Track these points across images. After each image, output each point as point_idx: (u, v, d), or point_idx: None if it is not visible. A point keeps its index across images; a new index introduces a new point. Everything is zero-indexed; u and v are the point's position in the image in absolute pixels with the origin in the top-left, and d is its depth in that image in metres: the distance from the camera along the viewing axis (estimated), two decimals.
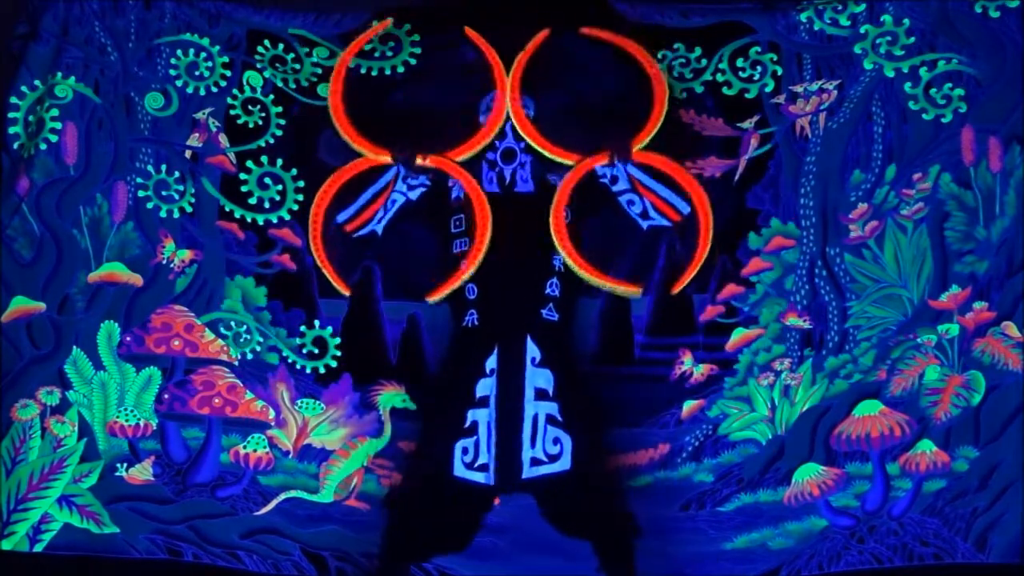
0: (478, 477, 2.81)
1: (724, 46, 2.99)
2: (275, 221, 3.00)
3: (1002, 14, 2.92)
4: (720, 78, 2.99)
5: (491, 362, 2.84)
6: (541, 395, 2.84)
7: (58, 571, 2.89)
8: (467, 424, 2.83)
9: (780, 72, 2.99)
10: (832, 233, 2.97)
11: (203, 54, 2.98)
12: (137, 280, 2.95)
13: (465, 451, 2.82)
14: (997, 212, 2.91)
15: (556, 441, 2.82)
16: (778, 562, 2.92)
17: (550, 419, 2.83)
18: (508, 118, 2.98)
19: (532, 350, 2.85)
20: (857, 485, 2.93)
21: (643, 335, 2.99)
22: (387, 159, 2.98)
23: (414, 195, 3.00)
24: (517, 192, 2.95)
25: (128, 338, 2.94)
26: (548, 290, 2.89)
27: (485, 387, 2.84)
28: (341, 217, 3.00)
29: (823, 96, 2.98)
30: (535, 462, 2.80)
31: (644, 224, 2.99)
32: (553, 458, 2.82)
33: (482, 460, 2.81)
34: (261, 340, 2.98)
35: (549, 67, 3.02)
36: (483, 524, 2.87)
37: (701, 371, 2.98)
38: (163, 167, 2.98)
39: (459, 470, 2.81)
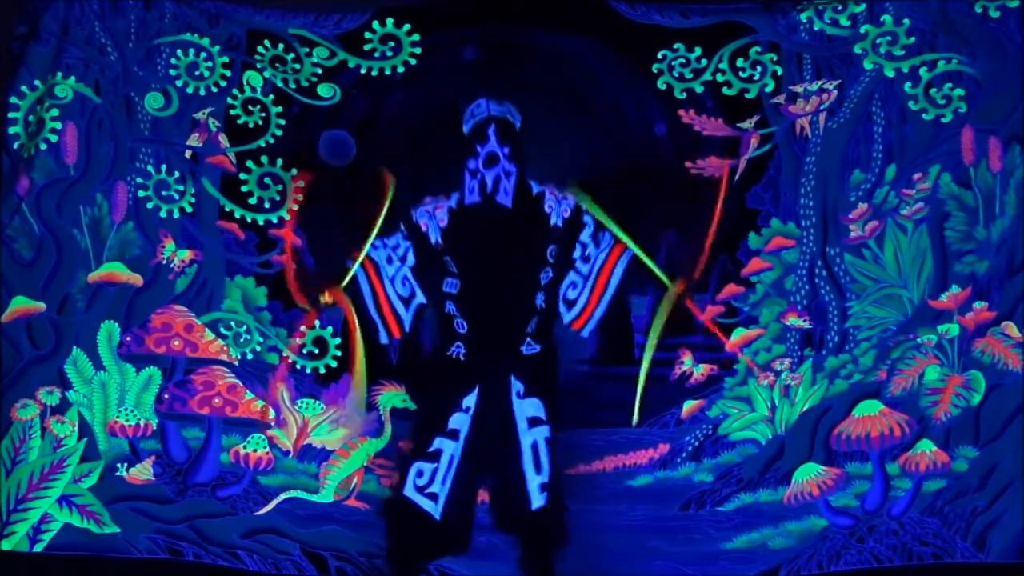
0: (426, 504, 2.77)
1: (724, 46, 2.98)
2: (275, 221, 3.00)
3: (1002, 14, 2.92)
4: (720, 78, 2.99)
5: (469, 400, 2.79)
6: (534, 422, 2.78)
7: (58, 571, 2.89)
8: (431, 449, 2.79)
9: (780, 72, 2.98)
10: (832, 233, 2.97)
11: (203, 54, 2.97)
12: (137, 280, 2.95)
13: (420, 474, 2.78)
14: (997, 212, 2.91)
15: None
16: (778, 562, 2.93)
17: (548, 442, 2.78)
18: (492, 119, 2.85)
19: (516, 385, 2.79)
20: (857, 485, 2.94)
21: (643, 335, 2.99)
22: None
23: (411, 261, 2.93)
24: (497, 203, 2.81)
25: (128, 338, 2.94)
26: (530, 328, 2.82)
27: (457, 421, 2.79)
28: (383, 340, 2.95)
29: (823, 96, 2.97)
30: (544, 488, 2.75)
31: (565, 290, 2.90)
32: None
33: (433, 488, 2.77)
34: (261, 340, 2.98)
35: (545, 69, 3.00)
36: (476, 526, 2.86)
37: (701, 371, 2.98)
38: (163, 167, 2.97)
39: (409, 490, 2.78)
